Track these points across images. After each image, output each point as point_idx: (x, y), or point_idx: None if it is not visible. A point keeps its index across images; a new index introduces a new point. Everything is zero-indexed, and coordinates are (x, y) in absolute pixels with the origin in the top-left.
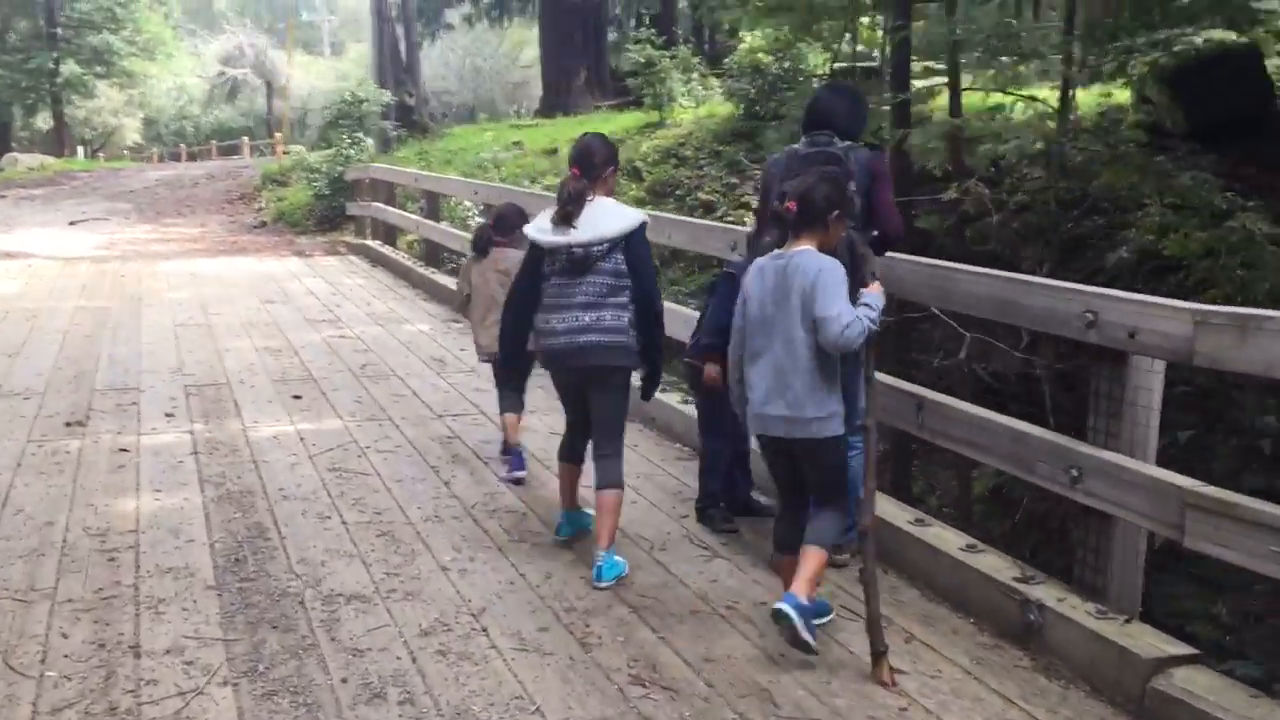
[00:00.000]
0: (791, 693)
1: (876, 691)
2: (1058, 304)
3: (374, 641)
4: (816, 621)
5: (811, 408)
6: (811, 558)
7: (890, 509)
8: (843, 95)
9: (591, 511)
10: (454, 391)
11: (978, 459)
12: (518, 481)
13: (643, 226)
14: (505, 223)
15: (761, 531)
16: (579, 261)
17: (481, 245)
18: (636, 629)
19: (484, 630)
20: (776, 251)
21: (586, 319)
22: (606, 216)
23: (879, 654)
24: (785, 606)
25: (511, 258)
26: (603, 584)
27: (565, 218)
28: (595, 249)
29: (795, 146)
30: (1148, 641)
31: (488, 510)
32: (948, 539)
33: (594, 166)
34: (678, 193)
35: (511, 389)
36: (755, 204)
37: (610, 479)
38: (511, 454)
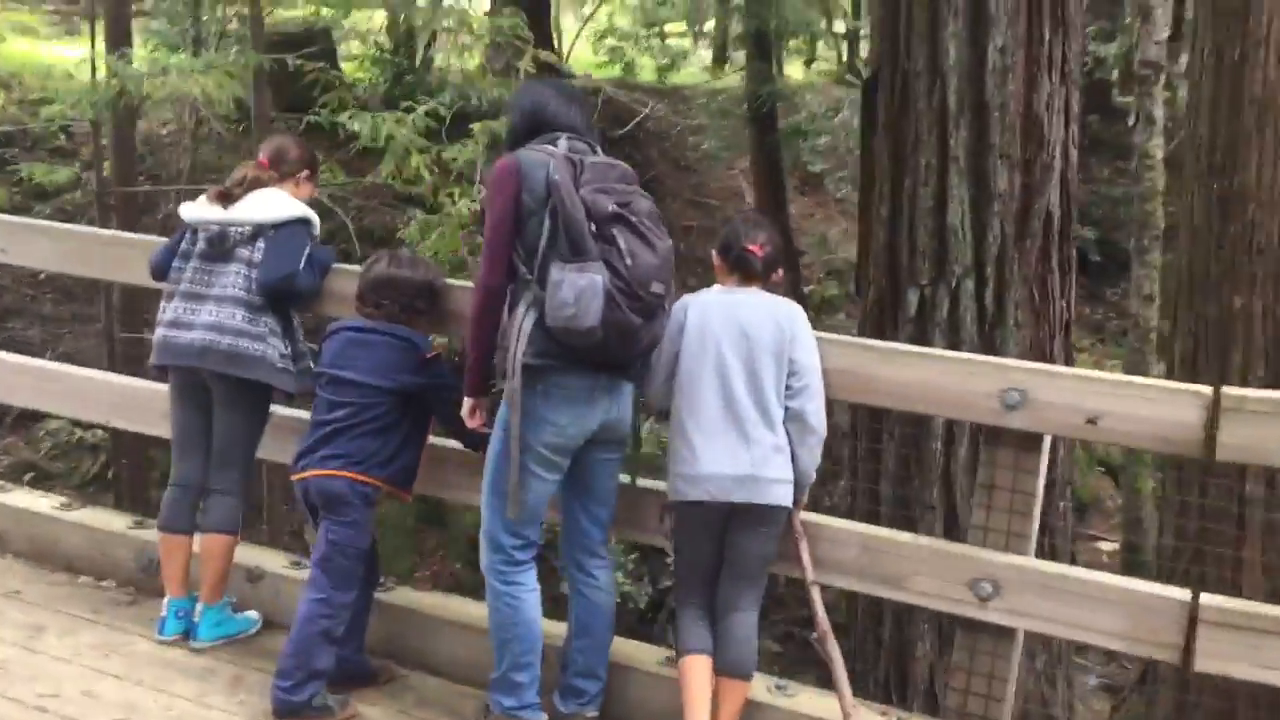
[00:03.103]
0: None
1: None
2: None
3: None
4: None
5: (774, 467)
6: (741, 693)
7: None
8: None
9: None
10: None
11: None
12: None
13: (304, 224)
14: None
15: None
16: (216, 243)
17: None
18: None
19: None
20: (720, 289)
21: (211, 316)
22: (268, 202)
23: None
24: None
25: None
26: (201, 644)
27: (224, 196)
28: (235, 231)
29: (554, 149)
30: None
31: None
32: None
33: (287, 163)
34: None
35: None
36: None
37: (220, 520)
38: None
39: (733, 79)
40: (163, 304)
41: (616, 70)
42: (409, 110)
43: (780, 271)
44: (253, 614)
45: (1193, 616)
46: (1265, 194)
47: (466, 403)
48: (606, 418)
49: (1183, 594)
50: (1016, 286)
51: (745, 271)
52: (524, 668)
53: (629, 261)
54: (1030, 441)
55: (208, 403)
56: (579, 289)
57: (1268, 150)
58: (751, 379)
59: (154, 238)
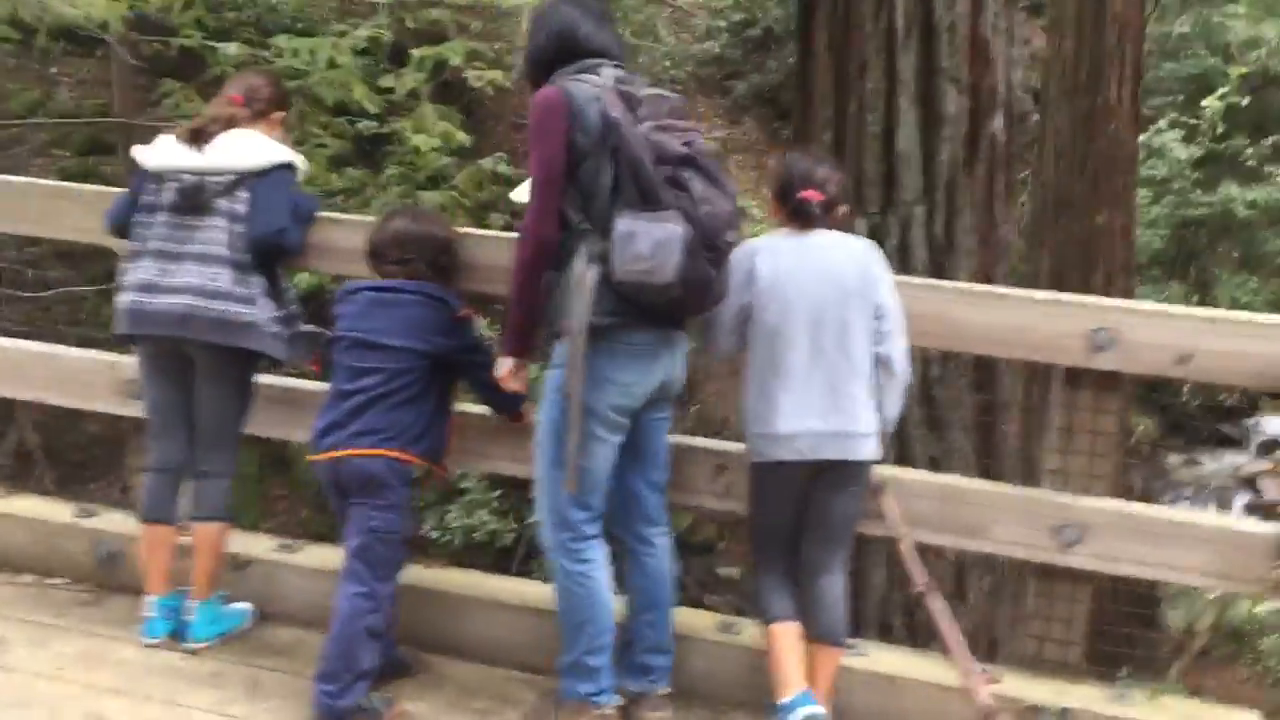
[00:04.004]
0: None
1: None
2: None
3: None
4: None
5: (865, 422)
6: (836, 659)
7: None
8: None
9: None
10: None
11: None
12: None
13: (290, 170)
14: None
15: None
16: (190, 194)
17: None
18: None
19: None
20: (785, 232)
21: (192, 277)
22: (249, 146)
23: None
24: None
25: None
26: (197, 644)
27: (196, 136)
28: (213, 181)
29: (599, 80)
30: None
31: None
32: None
33: (259, 101)
34: None
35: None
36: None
37: (211, 506)
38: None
39: None
40: (126, 265)
41: None
42: (342, 34)
43: (845, 207)
44: (245, 605)
45: None
46: (1126, 112)
47: (504, 364)
48: (666, 375)
49: (1272, 528)
50: (966, 213)
51: (805, 219)
52: (600, 650)
53: (705, 209)
54: (1109, 381)
55: (187, 375)
56: (655, 241)
57: (1128, 68)
58: (838, 327)
59: (98, 188)
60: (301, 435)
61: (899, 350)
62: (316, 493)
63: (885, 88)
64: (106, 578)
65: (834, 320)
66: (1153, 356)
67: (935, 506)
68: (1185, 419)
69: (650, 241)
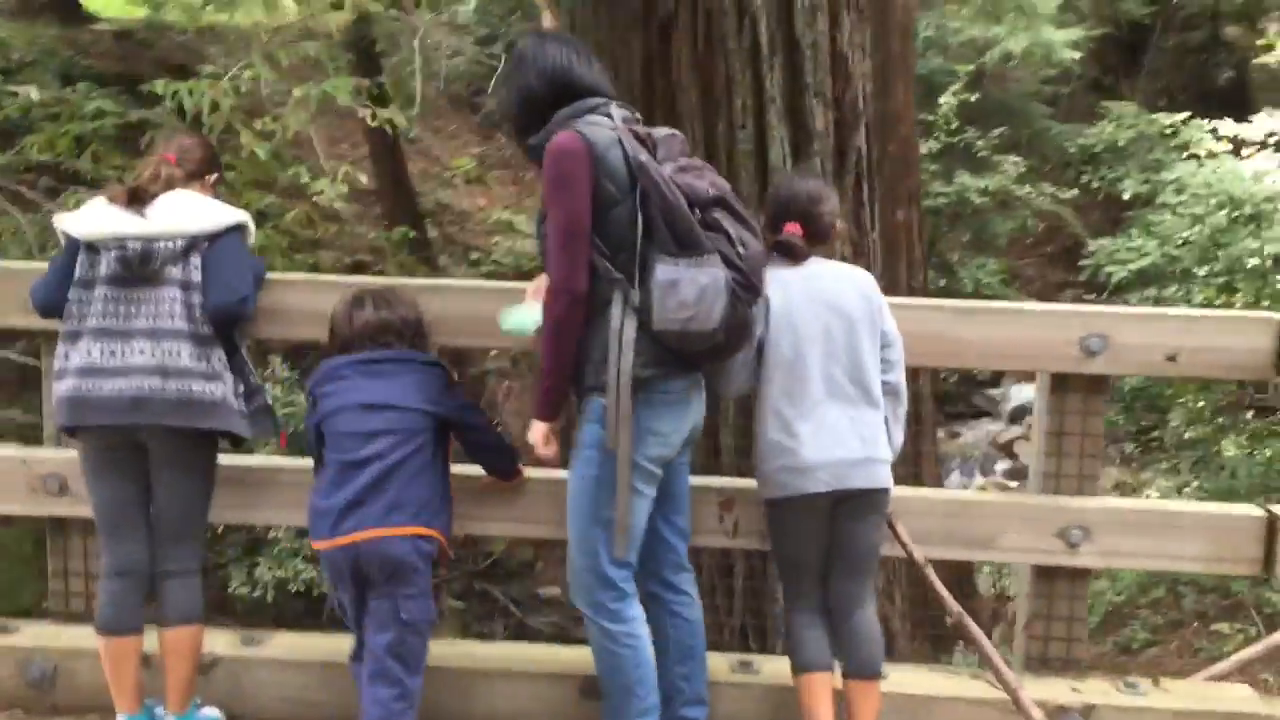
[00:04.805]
0: None
1: None
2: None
3: None
4: None
5: (883, 448)
6: (878, 693)
7: None
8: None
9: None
10: None
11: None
12: None
13: (241, 230)
14: None
15: None
16: (135, 263)
17: None
18: None
19: None
20: (781, 263)
21: (147, 356)
22: (188, 207)
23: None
24: None
25: None
26: None
27: (135, 197)
28: (163, 246)
29: (604, 122)
30: None
31: None
32: None
33: (193, 162)
34: None
35: None
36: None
37: (185, 608)
38: None
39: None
40: (61, 348)
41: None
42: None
43: (838, 225)
44: (213, 711)
45: (1271, 529)
46: (909, 116)
47: (538, 429)
48: (696, 420)
49: (1258, 511)
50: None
51: (790, 254)
52: (650, 711)
53: (742, 250)
54: (1097, 384)
55: (141, 465)
56: (701, 287)
57: (909, 74)
58: (850, 356)
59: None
60: (261, 518)
61: (903, 376)
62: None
63: (754, 103)
64: (37, 701)
65: (844, 349)
66: (1142, 357)
67: (941, 523)
68: (944, 394)
69: (695, 288)
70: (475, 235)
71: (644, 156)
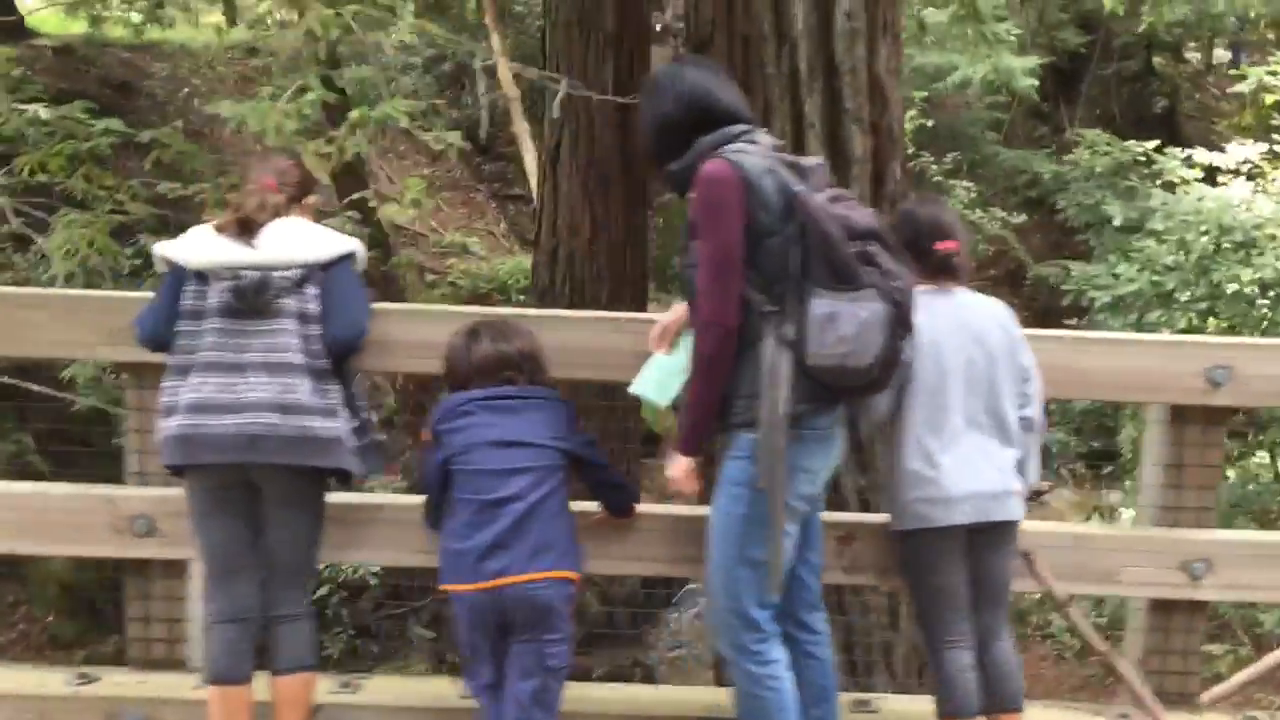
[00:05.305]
0: None
1: None
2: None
3: None
4: None
5: (1017, 480)
6: None
7: None
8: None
9: None
10: None
11: None
12: None
13: (353, 258)
14: None
15: None
16: (250, 294)
17: None
18: None
19: None
20: (926, 288)
21: (262, 391)
22: (300, 235)
23: None
24: None
25: None
26: None
27: (244, 227)
28: (279, 277)
29: (752, 149)
30: None
31: None
32: None
33: (292, 186)
34: None
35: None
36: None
37: (300, 654)
38: None
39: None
40: (169, 383)
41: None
42: (276, 96)
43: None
44: None
45: None
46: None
47: (680, 463)
48: (839, 455)
49: None
50: None
51: (949, 273)
52: None
53: (896, 283)
54: (1218, 416)
55: (254, 506)
56: (861, 322)
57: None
58: (988, 388)
59: (65, 292)
60: (359, 556)
61: (1041, 411)
62: (58, 595)
63: (793, 131)
64: None
65: (983, 380)
66: (1266, 387)
67: (1065, 556)
68: None
69: (855, 323)
70: (430, 258)
71: (800, 187)
